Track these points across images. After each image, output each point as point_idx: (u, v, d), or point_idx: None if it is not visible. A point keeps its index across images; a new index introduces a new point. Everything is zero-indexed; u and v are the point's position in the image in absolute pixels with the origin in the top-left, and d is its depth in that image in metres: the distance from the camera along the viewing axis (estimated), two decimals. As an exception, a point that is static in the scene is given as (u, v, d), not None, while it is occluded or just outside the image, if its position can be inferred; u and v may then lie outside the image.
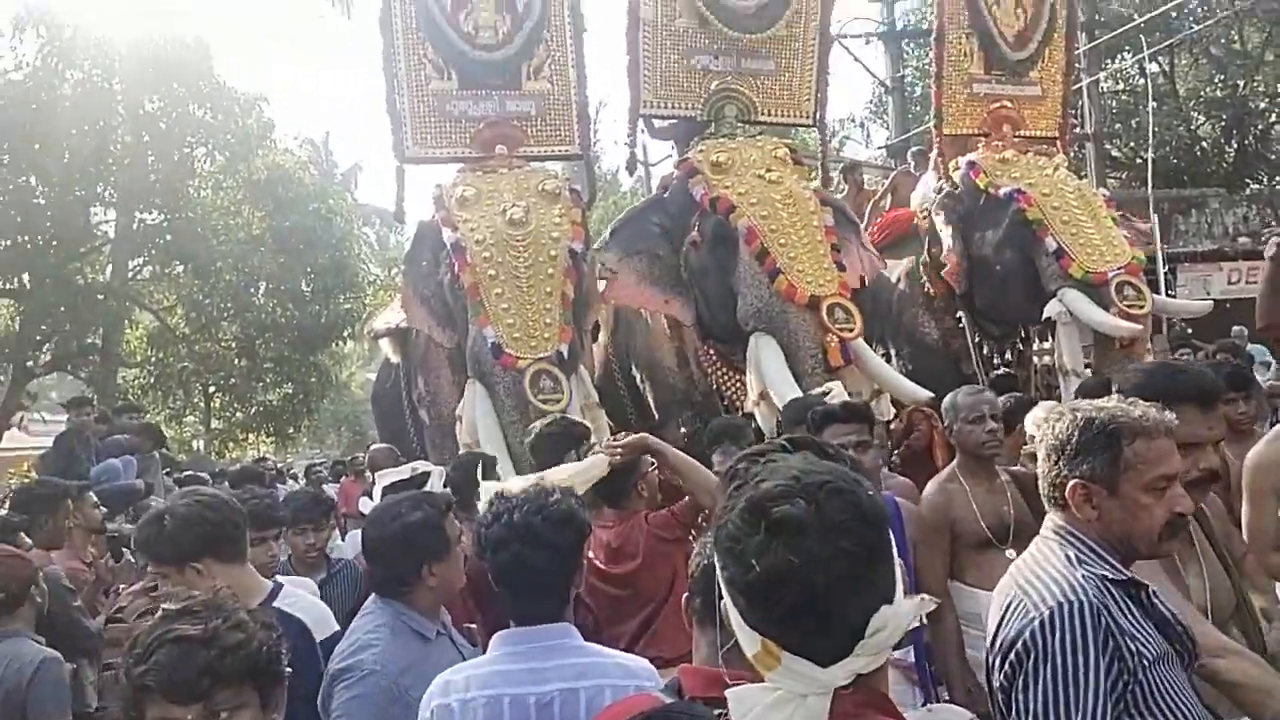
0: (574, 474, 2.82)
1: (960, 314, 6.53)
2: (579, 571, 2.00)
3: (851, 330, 5.28)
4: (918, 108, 15.20)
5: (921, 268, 6.71)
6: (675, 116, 6.30)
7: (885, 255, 7.01)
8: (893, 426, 5.18)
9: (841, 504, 1.07)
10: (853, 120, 21.92)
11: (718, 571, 1.14)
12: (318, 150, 27.63)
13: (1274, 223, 14.11)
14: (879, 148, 15.37)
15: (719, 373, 5.84)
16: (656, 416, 6.29)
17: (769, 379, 5.17)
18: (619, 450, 2.94)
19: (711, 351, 5.88)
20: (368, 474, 6.36)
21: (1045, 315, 5.81)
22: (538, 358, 5.06)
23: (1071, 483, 1.67)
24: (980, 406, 3.20)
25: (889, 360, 6.84)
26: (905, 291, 6.84)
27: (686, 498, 3.11)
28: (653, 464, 3.17)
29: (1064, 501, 1.70)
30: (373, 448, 6.75)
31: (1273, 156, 19.39)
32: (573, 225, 5.49)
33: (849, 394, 5.07)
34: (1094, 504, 1.67)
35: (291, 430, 16.61)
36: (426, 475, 3.76)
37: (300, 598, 2.51)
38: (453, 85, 5.75)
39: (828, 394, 4.52)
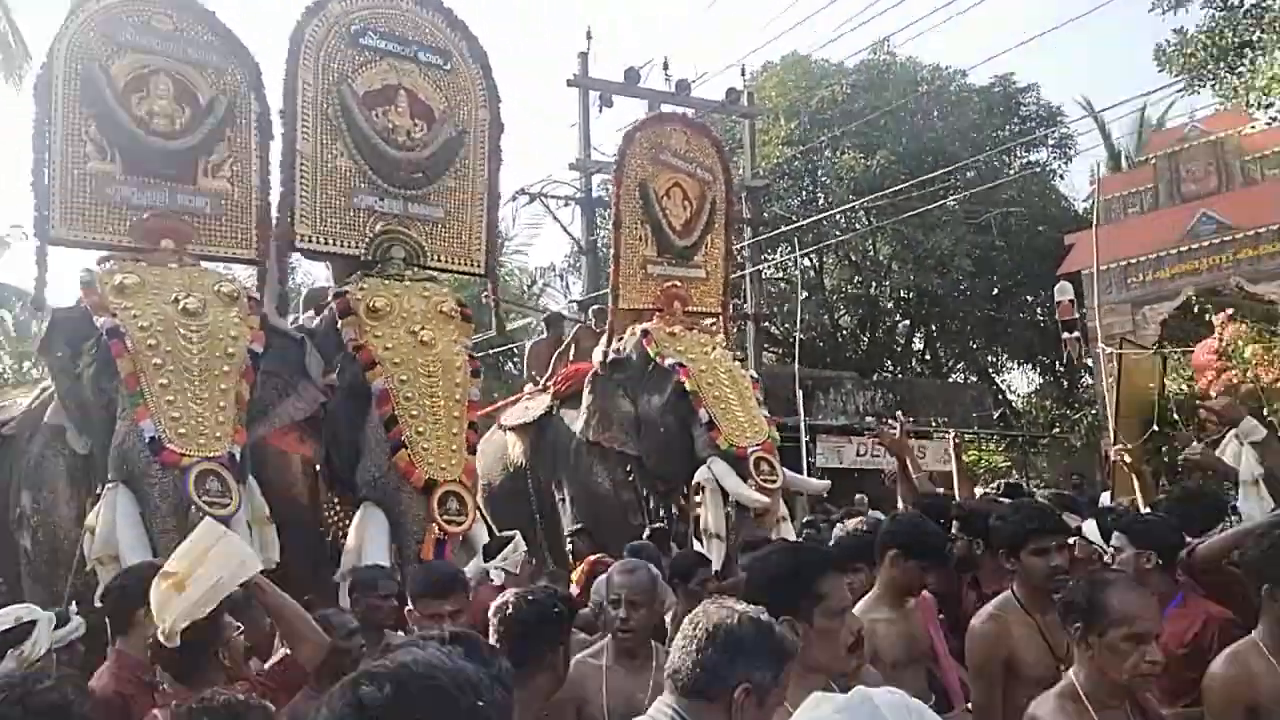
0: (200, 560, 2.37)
1: (630, 467, 6.82)
2: None
3: (461, 523, 5.21)
4: (608, 268, 16.28)
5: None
6: (335, 254, 6.05)
7: (566, 405, 7.31)
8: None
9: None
10: (553, 270, 22.87)
11: None
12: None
13: (895, 405, 16.44)
14: (573, 300, 16.10)
15: (341, 524, 5.53)
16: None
17: (366, 557, 4.86)
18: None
19: (336, 500, 5.64)
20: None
21: (695, 480, 6.31)
22: (206, 456, 4.56)
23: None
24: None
25: (563, 504, 7.07)
26: (581, 443, 7.01)
27: (281, 655, 2.74)
28: (238, 627, 2.63)
29: None
30: None
31: (897, 349, 22.80)
32: (252, 330, 5.10)
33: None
34: None
35: None
36: (32, 624, 2.93)
37: None
38: (116, 169, 5.23)
39: (510, 540, 4.59)
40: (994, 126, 19.81)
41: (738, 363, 7.18)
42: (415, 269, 6.03)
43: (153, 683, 2.52)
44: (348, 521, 5.41)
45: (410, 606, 3.06)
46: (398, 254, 5.95)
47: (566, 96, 13.91)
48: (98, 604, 3.07)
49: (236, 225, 5.61)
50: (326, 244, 5.92)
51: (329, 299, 5.90)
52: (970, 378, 22.55)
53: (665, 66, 13.65)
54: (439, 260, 6.26)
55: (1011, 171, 19.91)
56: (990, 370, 23.00)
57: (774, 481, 6.20)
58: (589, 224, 14.40)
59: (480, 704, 1.05)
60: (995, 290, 20.81)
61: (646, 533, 5.90)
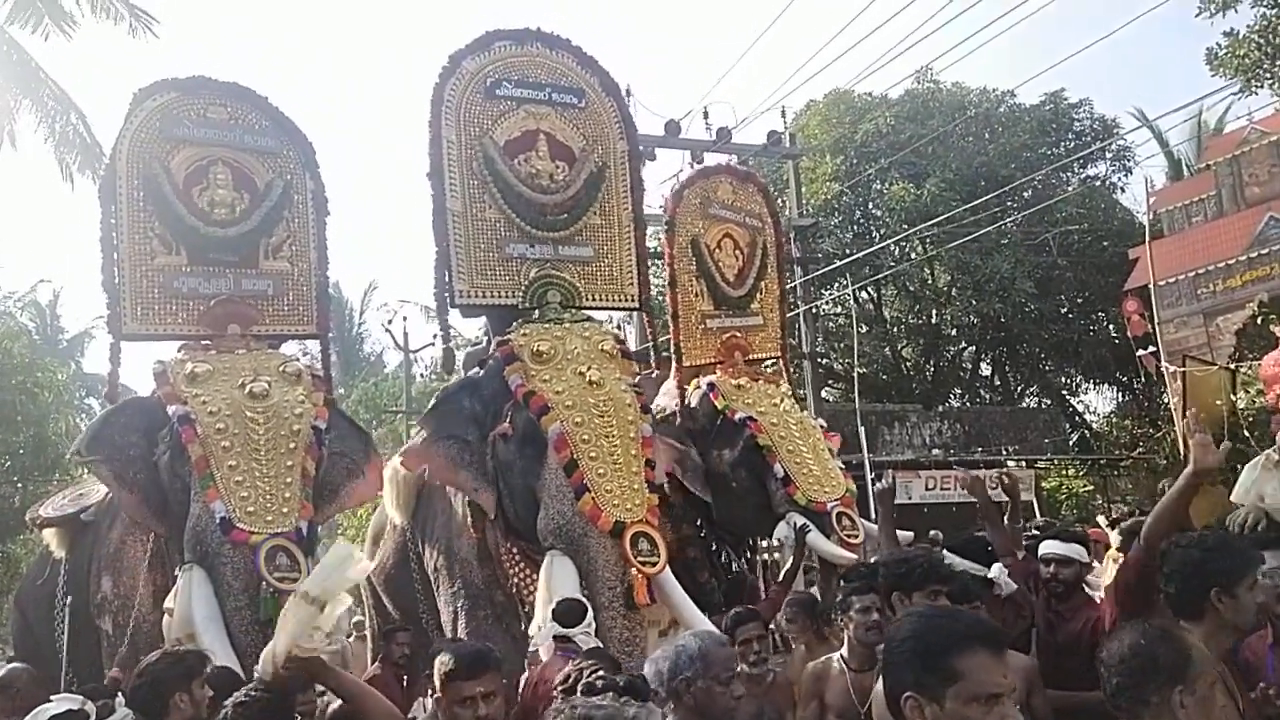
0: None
1: (700, 521, 6.63)
2: None
3: (655, 564, 5.02)
4: (659, 322, 16.37)
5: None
6: (494, 306, 6.06)
7: None
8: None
9: None
10: (611, 321, 23.01)
11: None
12: (42, 314, 25.31)
13: (963, 436, 16.09)
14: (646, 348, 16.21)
15: (521, 574, 5.40)
16: (446, 612, 5.78)
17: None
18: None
19: (514, 550, 5.46)
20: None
21: (775, 536, 6.02)
22: (274, 533, 4.67)
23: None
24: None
25: None
26: None
27: None
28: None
29: None
30: (8, 668, 4.88)
31: (964, 377, 22.37)
32: (316, 406, 5.23)
33: (646, 620, 4.99)
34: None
35: (-33, 627, 14.18)
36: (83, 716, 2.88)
37: None
38: (181, 260, 5.46)
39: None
40: (1047, 144, 19.54)
41: (806, 413, 6.97)
42: (572, 310, 5.99)
43: None
44: (528, 572, 5.29)
45: (437, 691, 2.79)
46: (554, 298, 5.96)
47: (611, 153, 14.10)
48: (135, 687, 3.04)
49: (299, 303, 5.78)
50: (484, 297, 5.94)
51: (492, 350, 5.87)
52: (1044, 402, 21.97)
53: (705, 115, 13.79)
54: (594, 299, 6.22)
55: (1069, 189, 19.59)
56: (1065, 393, 22.39)
57: (856, 536, 5.97)
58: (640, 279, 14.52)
59: None
60: (1063, 310, 20.34)
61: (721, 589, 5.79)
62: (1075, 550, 3.68)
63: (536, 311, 5.91)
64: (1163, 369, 11.42)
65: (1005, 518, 4.31)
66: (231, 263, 5.59)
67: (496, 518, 5.47)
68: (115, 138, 5.42)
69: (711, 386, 6.71)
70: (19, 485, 12.97)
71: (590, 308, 6.19)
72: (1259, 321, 11.54)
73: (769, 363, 7.48)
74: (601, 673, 2.46)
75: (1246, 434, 9.21)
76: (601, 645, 4.13)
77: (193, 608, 4.51)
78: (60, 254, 50.64)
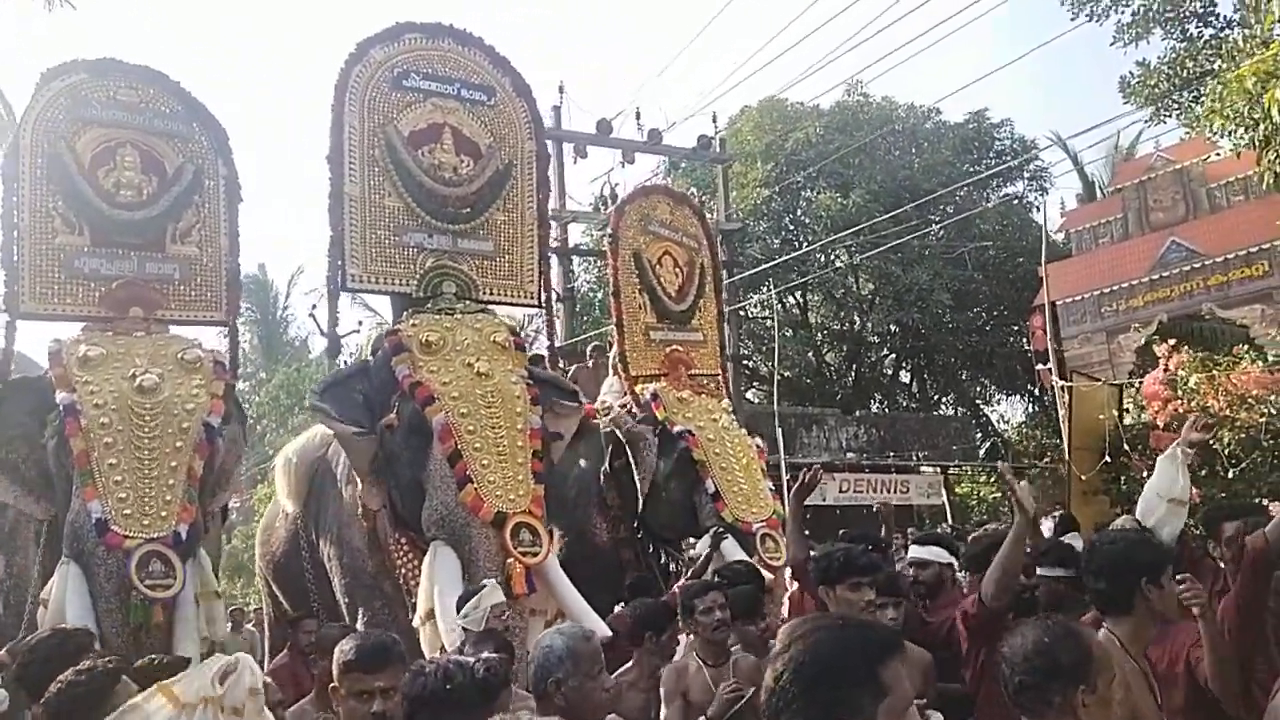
0: None
1: (637, 524, 6.70)
2: None
3: (537, 554, 5.06)
4: (584, 317, 16.50)
5: (603, 475, 6.82)
6: (386, 291, 6.08)
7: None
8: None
9: None
10: (540, 314, 22.99)
11: None
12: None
13: (878, 441, 16.55)
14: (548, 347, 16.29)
15: (409, 564, 5.35)
16: (343, 602, 5.77)
17: (439, 599, 4.81)
18: None
19: (403, 540, 5.41)
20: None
21: (695, 550, 5.96)
22: (149, 538, 4.61)
23: None
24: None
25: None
26: (581, 491, 6.76)
27: None
28: None
29: None
30: None
31: (884, 384, 22.94)
32: (212, 398, 5.14)
33: (529, 610, 5.01)
34: None
35: None
36: None
37: None
38: (84, 241, 5.34)
39: (481, 590, 4.51)
40: (969, 162, 20.17)
41: (744, 431, 7.05)
42: (467, 302, 5.98)
43: None
44: (415, 563, 5.26)
45: (334, 681, 2.69)
46: (448, 289, 5.95)
47: (541, 148, 14.15)
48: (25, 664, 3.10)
49: (206, 289, 5.69)
50: (376, 282, 5.96)
51: (383, 339, 5.84)
52: (959, 410, 22.67)
53: (637, 116, 13.95)
54: (491, 293, 6.22)
55: (988, 205, 20.24)
56: (978, 402, 23.12)
57: (779, 559, 5.97)
58: (566, 273, 14.61)
59: None
60: (978, 322, 21.02)
61: (629, 579, 5.86)
62: (933, 553, 4.04)
63: (430, 301, 5.89)
64: (1053, 383, 11.92)
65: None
66: (136, 245, 5.47)
67: (385, 508, 5.46)
68: (20, 116, 5.30)
69: (655, 396, 6.75)
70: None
71: (488, 302, 6.21)
72: (1148, 340, 12.14)
73: (710, 381, 7.52)
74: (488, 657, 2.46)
75: (1127, 448, 9.71)
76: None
77: (66, 604, 4.47)
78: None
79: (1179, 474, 3.84)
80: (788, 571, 5.24)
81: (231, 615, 10.57)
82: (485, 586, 4.49)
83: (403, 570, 5.39)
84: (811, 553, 4.01)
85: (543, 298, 6.51)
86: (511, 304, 6.57)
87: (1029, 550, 4.28)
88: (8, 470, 4.99)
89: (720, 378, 7.67)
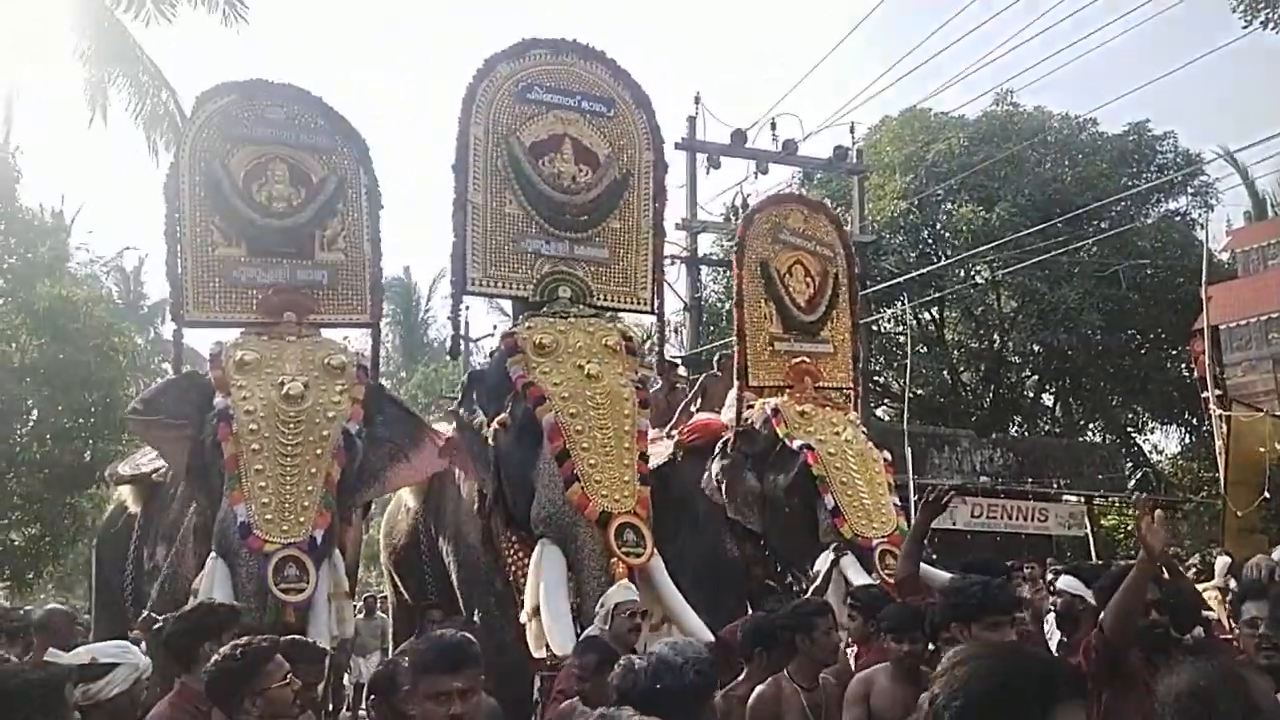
0: None
1: (763, 542, 6.60)
2: None
3: (640, 555, 5.13)
4: (710, 327, 16.44)
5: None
6: (504, 296, 6.33)
7: (690, 456, 6.98)
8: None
9: None
10: (668, 324, 23.11)
11: None
12: (126, 280, 26.37)
13: (1015, 465, 15.82)
14: (677, 357, 16.32)
15: (518, 562, 5.53)
16: (460, 596, 6.01)
17: (545, 596, 4.95)
18: None
19: (513, 538, 5.61)
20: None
21: (815, 568, 5.99)
22: (286, 543, 4.90)
23: None
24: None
25: (681, 563, 6.53)
26: (711, 506, 6.71)
27: None
28: (285, 676, 2.79)
29: None
30: (48, 608, 5.55)
31: (1025, 406, 21.91)
32: (353, 404, 5.42)
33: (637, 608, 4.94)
34: None
35: (31, 575, 14.93)
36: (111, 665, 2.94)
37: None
38: (240, 252, 5.77)
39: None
40: (1128, 175, 19.01)
41: (871, 444, 6.82)
42: (581, 306, 6.15)
43: (209, 712, 2.81)
44: (524, 560, 5.40)
45: (410, 684, 2.59)
46: (564, 293, 6.14)
47: (674, 158, 14.22)
48: (170, 632, 3.41)
49: (352, 293, 6.04)
50: (496, 286, 6.26)
51: (499, 342, 6.12)
52: (1107, 437, 21.40)
53: (773, 127, 13.82)
54: (606, 299, 6.40)
55: (1147, 221, 19.05)
56: (1129, 429, 21.77)
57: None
58: (694, 282, 14.63)
59: None
60: (1132, 345, 19.80)
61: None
62: (1067, 583, 3.96)
63: (545, 305, 6.07)
64: (1212, 412, 11.13)
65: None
66: (287, 254, 5.86)
67: (497, 506, 5.62)
68: (179, 138, 5.76)
69: (776, 411, 6.63)
70: (90, 443, 13.56)
71: (602, 307, 6.36)
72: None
73: (840, 395, 7.32)
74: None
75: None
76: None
77: (213, 597, 4.74)
78: (146, 224, 52.68)
79: None
80: None
81: (365, 602, 11.15)
82: (616, 587, 4.58)
83: (512, 567, 5.55)
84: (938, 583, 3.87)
85: (655, 304, 6.60)
86: (625, 310, 6.73)
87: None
88: (174, 453, 5.39)
89: (852, 391, 7.46)
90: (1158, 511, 3.08)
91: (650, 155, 6.62)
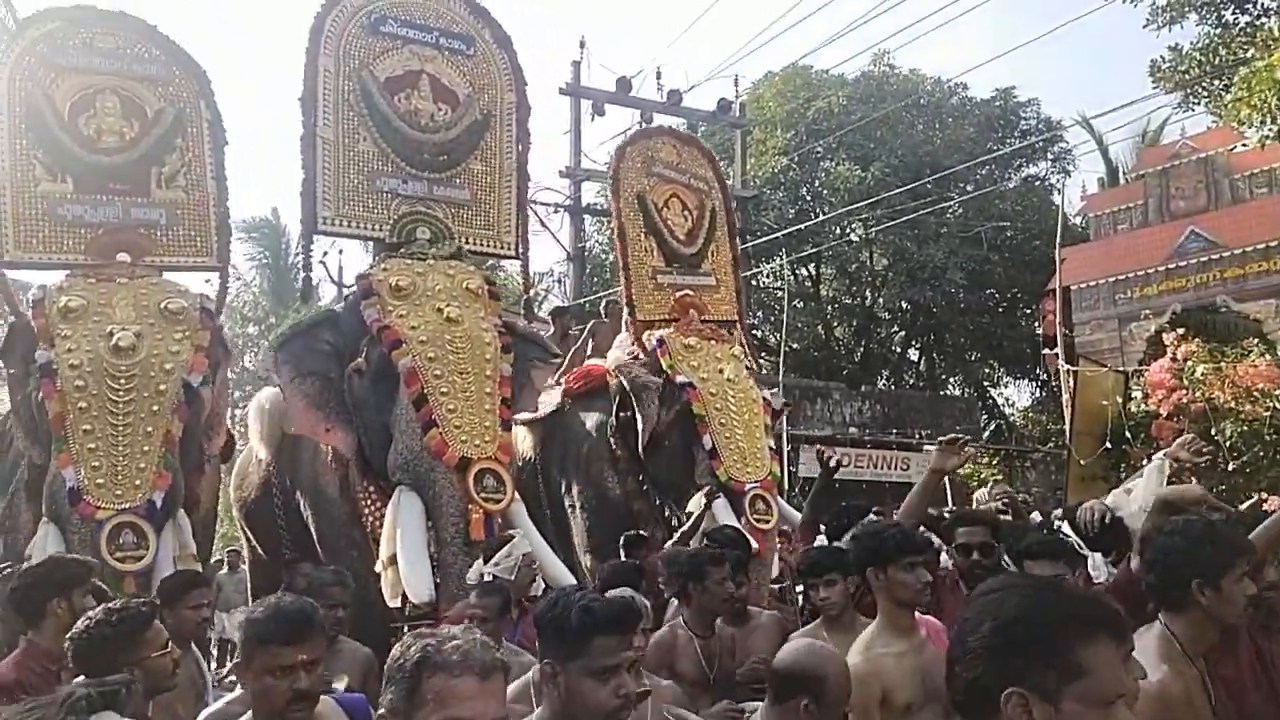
0: None
1: (643, 476, 6.61)
2: None
3: (499, 501, 5.04)
4: (594, 278, 16.35)
5: (609, 428, 6.76)
6: (358, 236, 6.07)
7: (579, 403, 7.02)
8: None
9: None
10: (551, 274, 22.94)
11: None
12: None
13: (883, 417, 16.44)
14: (560, 307, 16.18)
15: (376, 511, 5.33)
16: (320, 550, 5.76)
17: (402, 544, 4.82)
18: None
19: (370, 487, 5.41)
20: None
21: (687, 509, 6.02)
22: (120, 509, 4.63)
23: None
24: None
25: (573, 510, 6.76)
26: (594, 446, 6.77)
27: None
28: (166, 648, 2.57)
29: None
30: None
31: (893, 361, 22.75)
32: (195, 351, 5.10)
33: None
34: None
35: None
36: None
37: None
38: (67, 188, 5.32)
39: (510, 540, 4.42)
40: (993, 140, 19.74)
41: (752, 382, 6.84)
42: (440, 246, 5.92)
43: (58, 672, 2.58)
44: (383, 509, 5.22)
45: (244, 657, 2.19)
46: (422, 235, 5.89)
47: (558, 104, 13.97)
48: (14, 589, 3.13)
49: (195, 233, 5.65)
50: (349, 226, 5.91)
51: (353, 284, 5.85)
52: (966, 390, 22.46)
53: (658, 76, 13.80)
54: (468, 242, 6.16)
55: (1009, 185, 19.85)
56: (986, 383, 22.90)
57: (768, 522, 5.99)
58: (577, 232, 14.48)
59: None
60: (990, 303, 20.75)
61: (623, 539, 5.82)
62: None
63: (403, 247, 5.84)
64: (1059, 368, 11.79)
65: None
66: (120, 191, 5.44)
67: (355, 456, 5.43)
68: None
69: (661, 343, 6.62)
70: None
71: (465, 251, 6.13)
72: (1159, 329, 11.95)
73: (726, 325, 7.32)
74: None
75: (1129, 436, 9.61)
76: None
77: None
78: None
79: (1154, 484, 3.76)
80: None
81: (228, 556, 10.72)
82: (513, 536, 4.50)
83: (370, 517, 5.38)
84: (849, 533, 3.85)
85: (519, 249, 6.46)
86: (487, 253, 6.53)
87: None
88: (15, 412, 5.01)
89: (739, 325, 7.48)
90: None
91: (513, 97, 6.41)
